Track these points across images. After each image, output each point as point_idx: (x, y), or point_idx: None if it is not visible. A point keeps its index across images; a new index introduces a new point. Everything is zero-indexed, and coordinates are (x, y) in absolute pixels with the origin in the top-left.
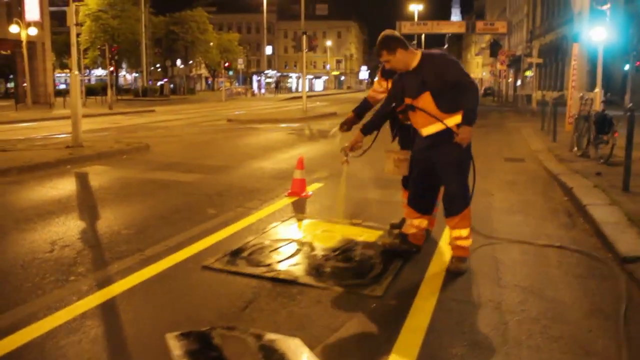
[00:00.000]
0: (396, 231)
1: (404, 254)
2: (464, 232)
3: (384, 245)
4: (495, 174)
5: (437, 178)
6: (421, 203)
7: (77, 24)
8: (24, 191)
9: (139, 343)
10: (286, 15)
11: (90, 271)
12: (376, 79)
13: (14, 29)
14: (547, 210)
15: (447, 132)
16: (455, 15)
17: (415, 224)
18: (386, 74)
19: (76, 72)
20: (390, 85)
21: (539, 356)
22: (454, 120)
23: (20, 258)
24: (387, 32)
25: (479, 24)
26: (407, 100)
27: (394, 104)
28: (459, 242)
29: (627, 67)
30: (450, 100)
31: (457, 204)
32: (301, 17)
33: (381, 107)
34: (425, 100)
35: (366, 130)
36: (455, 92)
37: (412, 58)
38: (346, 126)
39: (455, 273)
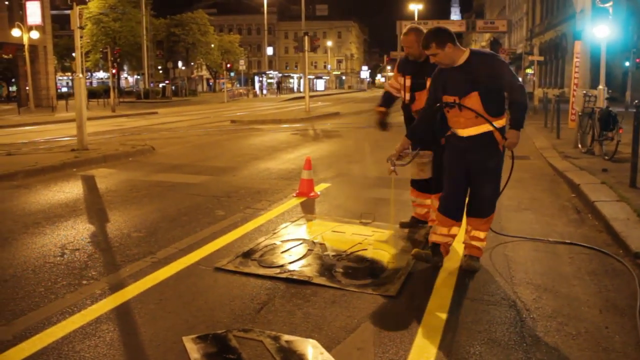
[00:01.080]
0: (420, 233)
1: (433, 265)
2: (483, 234)
3: (415, 256)
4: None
5: (469, 181)
6: (459, 209)
7: (81, 27)
8: (31, 195)
9: (156, 346)
10: (286, 16)
11: (102, 275)
12: (381, 76)
13: (15, 32)
14: (555, 207)
15: (489, 135)
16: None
17: (452, 232)
18: (404, 70)
19: (80, 75)
20: (407, 81)
21: (558, 353)
22: (500, 123)
23: (31, 262)
24: (438, 26)
25: (479, 23)
26: (449, 99)
27: (437, 104)
28: (476, 243)
29: (627, 64)
30: (497, 103)
31: (487, 208)
32: (302, 18)
33: (424, 108)
34: (473, 100)
35: (412, 135)
36: (502, 94)
37: (460, 54)
38: (385, 125)
39: (468, 271)
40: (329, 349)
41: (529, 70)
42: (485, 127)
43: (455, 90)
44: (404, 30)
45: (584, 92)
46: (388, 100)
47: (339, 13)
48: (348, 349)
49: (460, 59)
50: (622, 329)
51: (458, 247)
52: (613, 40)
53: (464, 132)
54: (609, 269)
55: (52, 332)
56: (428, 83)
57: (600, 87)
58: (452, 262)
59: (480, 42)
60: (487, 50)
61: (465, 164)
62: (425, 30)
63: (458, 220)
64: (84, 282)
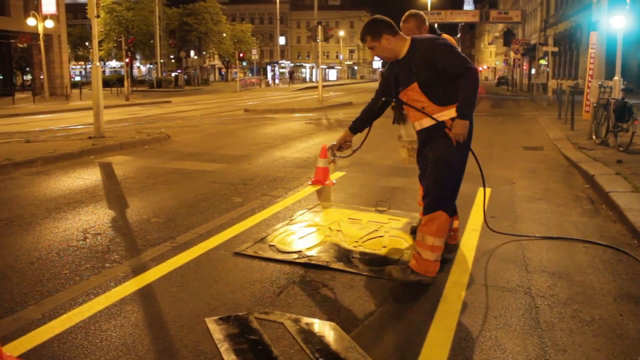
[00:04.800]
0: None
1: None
2: (428, 239)
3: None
4: (515, 162)
5: None
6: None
7: (97, 16)
8: (51, 181)
9: (179, 327)
10: (299, 5)
11: (124, 258)
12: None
13: (30, 21)
14: (569, 198)
15: (440, 127)
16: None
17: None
18: None
19: (97, 64)
20: None
21: (573, 339)
22: (450, 113)
23: (55, 246)
24: (375, 16)
25: (493, 13)
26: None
27: (383, 98)
28: (418, 249)
29: None
30: (444, 91)
31: (429, 203)
32: (314, 7)
33: (370, 102)
34: (414, 91)
35: (355, 129)
36: (449, 81)
37: (402, 45)
38: (403, 118)
39: (393, 279)
40: (347, 331)
41: (542, 61)
42: (438, 117)
43: (404, 84)
44: (403, 17)
45: (599, 83)
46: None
47: (351, 3)
48: (366, 331)
49: (404, 49)
50: (636, 317)
51: (474, 235)
52: (629, 31)
53: (417, 126)
54: (623, 258)
55: (79, 312)
56: None
57: (616, 77)
58: (467, 249)
59: (494, 33)
60: (428, 35)
61: (425, 158)
62: (422, 16)
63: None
64: (107, 265)
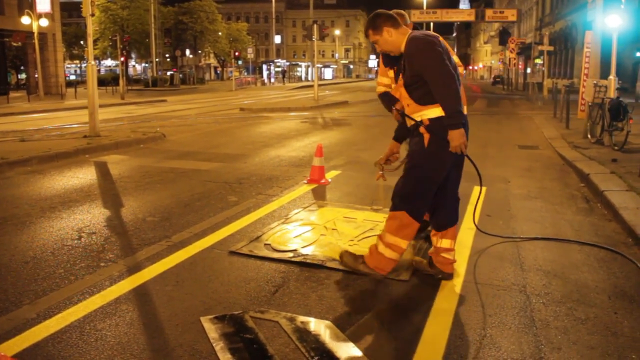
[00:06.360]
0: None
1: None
2: (387, 236)
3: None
4: (510, 161)
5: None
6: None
7: (92, 15)
8: (46, 180)
9: (175, 326)
10: (295, 4)
11: (119, 257)
12: (377, 68)
13: (25, 20)
14: (564, 196)
15: (418, 126)
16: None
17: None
18: (387, 62)
19: (93, 62)
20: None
21: (567, 337)
22: (429, 113)
23: (50, 245)
24: (377, 10)
25: (489, 12)
26: None
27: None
28: (377, 242)
29: (638, 54)
30: (425, 92)
31: (393, 199)
32: (310, 6)
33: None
34: (401, 89)
35: (400, 137)
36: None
37: (403, 39)
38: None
39: (342, 263)
40: (343, 330)
41: (538, 60)
42: (416, 117)
43: (397, 80)
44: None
45: (594, 82)
46: (393, 99)
47: (347, 2)
48: (362, 330)
49: (403, 44)
50: (630, 315)
51: (469, 234)
52: (624, 30)
53: (408, 123)
54: (618, 256)
55: (73, 312)
56: None
57: (611, 77)
58: (463, 249)
59: (490, 32)
60: (419, 32)
61: None
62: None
63: (438, 230)
64: (102, 264)
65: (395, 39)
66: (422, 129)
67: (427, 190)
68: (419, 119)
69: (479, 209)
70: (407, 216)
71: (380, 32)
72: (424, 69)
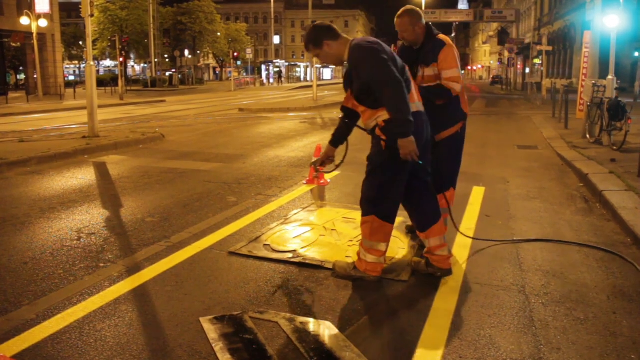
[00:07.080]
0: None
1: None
2: (365, 242)
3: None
4: (509, 161)
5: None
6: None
7: (91, 15)
8: (45, 181)
9: (174, 326)
10: (293, 4)
11: (118, 258)
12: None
13: (24, 20)
14: (563, 196)
15: (374, 129)
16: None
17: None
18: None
19: (91, 63)
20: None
21: (567, 337)
22: (385, 115)
23: (49, 246)
24: (315, 23)
25: (487, 12)
26: None
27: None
28: (359, 248)
29: (637, 54)
30: (371, 95)
31: (361, 204)
32: (309, 7)
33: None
34: (352, 100)
35: (336, 142)
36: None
37: (344, 49)
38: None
39: (335, 271)
40: (342, 330)
41: (536, 61)
42: (371, 122)
43: (346, 89)
44: (399, 12)
45: (593, 82)
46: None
47: (346, 2)
48: (361, 330)
49: (345, 54)
50: (629, 315)
51: (467, 234)
52: (622, 30)
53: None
54: (617, 256)
55: (73, 312)
56: (422, 72)
57: (610, 77)
58: (462, 249)
59: (488, 32)
60: (360, 39)
61: None
62: (418, 12)
63: (421, 230)
64: (101, 265)
65: (335, 51)
66: (378, 131)
67: (391, 191)
68: (373, 124)
69: (476, 210)
70: (377, 219)
71: (321, 46)
72: (371, 78)
